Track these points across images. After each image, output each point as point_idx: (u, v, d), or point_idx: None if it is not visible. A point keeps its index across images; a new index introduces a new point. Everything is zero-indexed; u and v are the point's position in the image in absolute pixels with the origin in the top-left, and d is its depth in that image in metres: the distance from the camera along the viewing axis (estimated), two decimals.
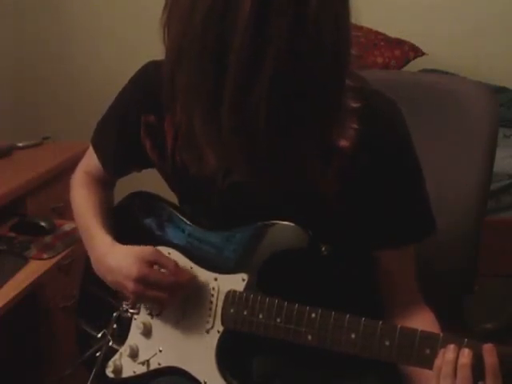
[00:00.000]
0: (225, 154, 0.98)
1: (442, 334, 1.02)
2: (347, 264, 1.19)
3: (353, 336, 1.05)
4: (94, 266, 1.27)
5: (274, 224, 1.14)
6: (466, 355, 0.99)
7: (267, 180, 1.04)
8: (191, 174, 1.16)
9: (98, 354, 1.29)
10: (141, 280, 1.16)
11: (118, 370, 1.28)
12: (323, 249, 1.11)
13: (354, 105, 1.08)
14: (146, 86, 1.22)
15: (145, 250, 1.20)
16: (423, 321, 1.15)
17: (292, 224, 1.12)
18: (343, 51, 0.94)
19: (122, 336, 1.29)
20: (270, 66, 0.88)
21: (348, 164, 1.09)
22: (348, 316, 1.06)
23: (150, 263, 1.18)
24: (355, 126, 1.08)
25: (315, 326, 1.07)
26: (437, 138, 1.44)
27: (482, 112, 1.41)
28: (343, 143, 1.08)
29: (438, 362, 1.01)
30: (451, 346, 1.00)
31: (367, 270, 1.21)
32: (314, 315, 1.08)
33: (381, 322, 1.04)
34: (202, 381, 1.18)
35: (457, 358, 0.99)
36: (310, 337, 1.08)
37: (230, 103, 0.91)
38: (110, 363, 1.28)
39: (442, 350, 1.01)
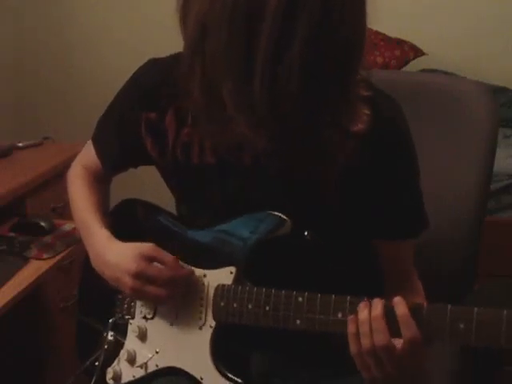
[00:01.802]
0: (256, 118, 1.00)
1: (425, 304, 1.02)
2: (343, 255, 1.19)
3: (340, 315, 1.05)
4: (93, 262, 1.27)
5: (254, 214, 1.15)
6: (376, 306, 1.02)
7: (288, 149, 1.06)
8: (192, 168, 1.18)
9: (96, 364, 1.29)
10: (139, 275, 1.17)
11: (117, 376, 1.28)
12: (306, 233, 1.12)
13: (366, 93, 1.10)
14: (147, 83, 1.23)
15: (143, 245, 1.20)
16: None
17: (272, 212, 1.13)
18: (363, 29, 1.00)
19: (120, 341, 1.29)
20: (305, 28, 0.93)
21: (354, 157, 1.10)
22: (334, 296, 1.07)
23: (149, 259, 1.18)
24: (367, 112, 1.10)
25: (303, 309, 1.08)
26: (437, 137, 1.44)
27: (482, 112, 1.42)
28: (359, 127, 1.09)
29: (350, 327, 1.03)
30: (361, 304, 1.03)
31: (364, 259, 1.22)
32: (300, 299, 1.09)
33: (366, 298, 1.04)
34: (198, 377, 1.18)
35: (370, 313, 1.01)
36: (298, 321, 1.09)
37: (262, 66, 0.95)
38: (110, 370, 1.29)
39: (351, 317, 1.03)
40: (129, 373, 1.27)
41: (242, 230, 1.17)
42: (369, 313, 1.02)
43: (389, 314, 1.01)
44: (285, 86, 0.95)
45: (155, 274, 1.17)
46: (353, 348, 1.04)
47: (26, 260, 1.84)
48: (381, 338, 1.01)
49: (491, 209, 2.33)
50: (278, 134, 1.02)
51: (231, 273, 1.16)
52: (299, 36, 0.94)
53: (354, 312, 1.04)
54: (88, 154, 1.38)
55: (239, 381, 1.15)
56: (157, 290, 1.17)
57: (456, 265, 1.43)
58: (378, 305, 1.02)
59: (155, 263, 1.19)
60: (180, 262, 1.20)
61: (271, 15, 0.93)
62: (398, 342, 1.01)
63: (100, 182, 1.39)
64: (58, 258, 1.88)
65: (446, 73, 2.86)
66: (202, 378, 1.18)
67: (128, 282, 1.18)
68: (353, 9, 0.97)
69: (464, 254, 1.43)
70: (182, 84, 1.05)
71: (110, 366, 1.29)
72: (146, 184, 1.50)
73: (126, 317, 1.29)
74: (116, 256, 1.21)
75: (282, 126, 1.01)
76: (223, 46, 0.97)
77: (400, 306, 1.01)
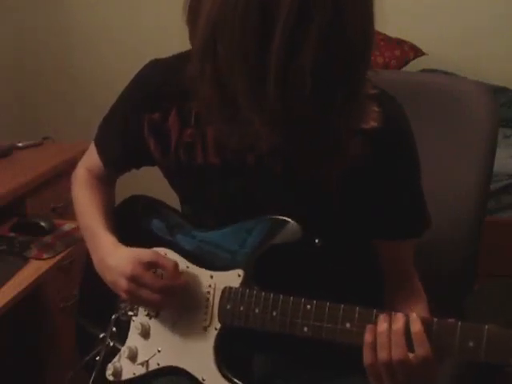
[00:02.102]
0: (271, 118, 0.99)
1: (435, 319, 1.02)
2: (343, 255, 1.19)
3: (348, 325, 1.05)
4: (97, 266, 1.27)
5: (265, 219, 1.15)
6: (397, 320, 1.01)
7: (296, 150, 1.07)
8: (195, 168, 1.18)
9: (97, 358, 1.29)
10: (134, 279, 1.17)
11: (117, 373, 1.28)
12: (317, 241, 1.12)
13: (372, 91, 1.10)
14: (149, 84, 1.23)
15: (143, 251, 1.20)
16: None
17: (284, 218, 1.13)
18: (371, 30, 1.00)
19: (122, 338, 1.29)
20: (317, 29, 0.93)
21: (364, 148, 1.09)
22: (342, 306, 1.06)
23: (147, 265, 1.18)
24: (376, 109, 1.10)
25: (311, 317, 1.08)
26: (437, 138, 1.44)
27: (482, 112, 1.41)
28: (371, 124, 1.09)
29: (368, 336, 1.02)
30: (382, 316, 1.02)
31: (364, 259, 1.22)
32: (309, 307, 1.08)
33: (375, 310, 1.04)
34: (200, 378, 1.18)
35: (390, 326, 1.01)
36: (305, 328, 1.09)
37: (276, 68, 0.95)
38: (110, 366, 1.28)
39: (369, 326, 1.02)
40: (129, 370, 1.27)
41: (249, 233, 1.16)
42: (389, 326, 1.01)
43: (406, 328, 1.01)
44: (298, 85, 0.95)
45: (149, 281, 1.17)
46: (367, 358, 1.03)
47: (25, 260, 1.84)
48: (399, 352, 1.00)
49: (491, 209, 2.34)
50: (287, 134, 1.02)
51: (239, 275, 1.16)
52: (312, 36, 0.94)
53: (363, 322, 1.04)
54: (91, 156, 1.38)
55: None
56: (151, 296, 1.17)
57: (456, 265, 1.43)
58: (399, 319, 1.01)
59: (158, 270, 1.19)
60: (180, 268, 1.20)
61: (284, 15, 0.93)
62: (410, 354, 1.01)
63: (104, 183, 1.39)
64: (58, 258, 1.88)
65: (446, 73, 2.86)
66: (203, 380, 1.18)
67: (123, 284, 1.18)
68: (362, 9, 0.98)
69: (464, 254, 1.43)
70: (190, 84, 1.05)
71: (110, 362, 1.29)
72: (151, 184, 1.49)
73: (129, 313, 1.29)
74: (116, 260, 1.21)
75: (292, 126, 1.00)
76: (236, 46, 0.96)
77: (415, 323, 1.00)
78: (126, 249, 1.23)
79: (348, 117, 1.03)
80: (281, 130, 1.02)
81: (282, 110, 0.98)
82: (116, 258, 1.22)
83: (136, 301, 1.22)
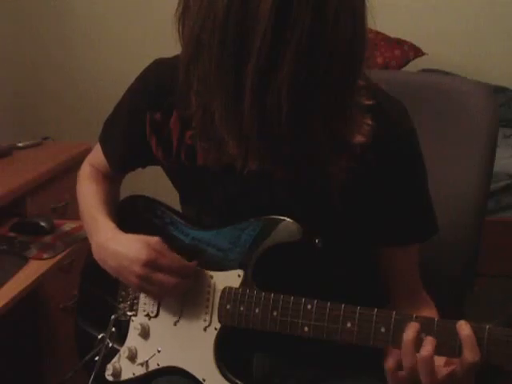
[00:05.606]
0: (245, 142, 0.99)
1: (436, 319, 1.02)
2: (344, 256, 1.19)
3: (349, 325, 1.05)
4: (95, 251, 1.26)
5: (266, 219, 1.14)
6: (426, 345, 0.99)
7: (281, 169, 1.07)
8: (196, 170, 1.17)
9: (96, 358, 1.29)
10: (149, 264, 1.15)
11: (117, 373, 1.27)
12: (317, 241, 1.11)
13: (367, 102, 1.08)
14: (153, 83, 1.23)
15: (151, 238, 1.19)
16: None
17: (284, 218, 1.13)
18: (359, 46, 0.97)
19: (121, 338, 1.29)
20: (293, 53, 0.91)
21: (360, 159, 1.09)
22: (343, 305, 1.06)
23: (157, 251, 1.17)
24: (369, 122, 1.08)
25: (311, 317, 1.08)
26: (437, 137, 1.43)
27: (482, 112, 1.41)
28: (359, 139, 1.08)
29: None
30: (412, 324, 1.01)
31: (366, 262, 1.21)
32: (309, 306, 1.08)
33: (376, 310, 1.04)
34: (200, 379, 1.18)
35: (418, 334, 1.00)
36: (306, 328, 1.09)
37: (252, 90, 0.93)
38: (109, 366, 1.28)
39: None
40: (129, 370, 1.27)
41: (250, 233, 1.16)
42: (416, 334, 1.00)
43: (447, 336, 1.00)
44: (274, 110, 0.94)
45: (167, 262, 1.15)
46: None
47: (25, 260, 1.84)
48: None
49: (491, 209, 2.34)
50: (269, 156, 1.01)
51: (239, 276, 1.16)
52: (287, 60, 0.92)
53: (362, 322, 1.04)
54: (97, 155, 1.38)
55: None
56: (165, 278, 1.15)
57: (456, 265, 1.43)
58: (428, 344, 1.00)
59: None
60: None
61: (260, 35, 0.91)
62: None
63: (109, 181, 1.39)
64: (58, 257, 1.88)
65: (446, 73, 2.86)
66: (204, 380, 1.18)
67: (136, 269, 1.16)
68: (347, 26, 0.94)
69: (464, 254, 1.43)
70: (181, 93, 1.05)
71: (109, 362, 1.29)
72: (151, 184, 1.49)
73: (129, 313, 1.28)
74: (123, 245, 1.20)
75: (272, 148, 0.99)
76: (214, 67, 0.95)
77: (464, 328, 0.99)
78: (131, 235, 1.22)
79: (334, 132, 1.01)
80: (259, 157, 1.01)
81: (259, 134, 0.96)
82: (122, 242, 1.20)
83: (147, 286, 1.18)
